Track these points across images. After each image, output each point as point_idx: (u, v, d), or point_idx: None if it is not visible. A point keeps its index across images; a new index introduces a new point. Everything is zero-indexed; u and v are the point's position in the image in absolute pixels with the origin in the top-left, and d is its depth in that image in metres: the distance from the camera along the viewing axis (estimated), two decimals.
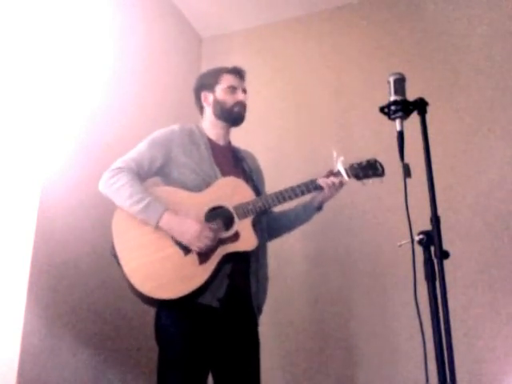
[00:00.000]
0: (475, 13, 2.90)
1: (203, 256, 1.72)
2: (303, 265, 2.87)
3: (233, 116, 2.00)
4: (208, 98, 2.03)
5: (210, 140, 2.00)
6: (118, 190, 1.77)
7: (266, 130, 3.16)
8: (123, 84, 2.65)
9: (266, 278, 1.95)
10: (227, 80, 2.01)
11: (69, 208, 2.17)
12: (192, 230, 1.71)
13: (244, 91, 2.03)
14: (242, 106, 2.00)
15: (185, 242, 1.72)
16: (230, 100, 1.99)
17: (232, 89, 2.00)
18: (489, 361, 2.38)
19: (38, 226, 2.00)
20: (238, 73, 2.04)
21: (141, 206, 1.73)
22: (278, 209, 2.01)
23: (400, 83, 1.54)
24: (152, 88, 2.92)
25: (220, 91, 2.01)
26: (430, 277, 1.38)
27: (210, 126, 2.04)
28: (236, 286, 1.81)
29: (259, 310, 1.92)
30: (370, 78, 2.98)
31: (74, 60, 2.33)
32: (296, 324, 2.77)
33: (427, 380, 1.35)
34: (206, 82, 2.05)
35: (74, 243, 2.17)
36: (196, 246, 1.71)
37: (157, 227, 1.73)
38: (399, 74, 1.55)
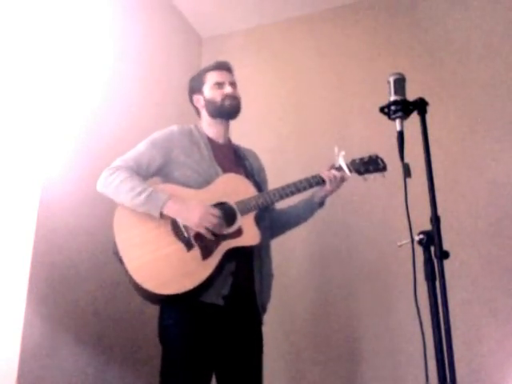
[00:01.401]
0: (475, 13, 2.90)
1: (206, 251, 1.72)
2: (305, 265, 2.87)
3: (225, 110, 1.98)
4: (200, 101, 2.04)
5: (209, 139, 2.00)
6: (118, 186, 1.77)
7: (266, 129, 3.16)
8: (123, 84, 2.65)
9: (270, 276, 1.94)
10: (212, 77, 2.02)
11: (69, 208, 2.17)
12: (196, 212, 1.72)
13: (232, 84, 2.01)
14: (232, 98, 1.98)
15: (189, 224, 1.72)
16: (218, 96, 1.98)
17: (218, 85, 2.00)
18: (489, 361, 2.38)
19: (38, 226, 2.00)
20: (222, 67, 2.04)
21: (143, 197, 1.73)
22: (280, 205, 2.01)
23: (400, 83, 1.54)
24: (152, 88, 2.93)
25: (207, 90, 2.01)
26: (430, 277, 1.38)
27: (207, 125, 2.04)
28: (240, 284, 1.80)
29: (263, 309, 1.91)
30: (370, 77, 2.98)
31: (74, 60, 2.33)
32: (298, 323, 2.78)
33: (427, 380, 1.35)
34: (194, 85, 2.06)
35: (74, 243, 2.17)
36: (201, 228, 1.71)
37: (161, 215, 1.73)
38: (399, 74, 1.55)
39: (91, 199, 2.14)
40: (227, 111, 1.99)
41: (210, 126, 2.03)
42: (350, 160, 1.95)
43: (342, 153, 1.93)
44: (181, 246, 1.73)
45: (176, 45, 3.30)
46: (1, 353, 1.86)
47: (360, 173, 1.93)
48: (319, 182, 1.90)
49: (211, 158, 1.92)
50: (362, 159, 1.95)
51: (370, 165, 1.93)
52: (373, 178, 1.94)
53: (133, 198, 1.74)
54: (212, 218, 1.73)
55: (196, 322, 1.74)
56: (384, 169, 1.94)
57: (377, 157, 1.96)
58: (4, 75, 2.13)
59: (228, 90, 1.98)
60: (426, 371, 1.34)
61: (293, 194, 1.87)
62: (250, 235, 1.78)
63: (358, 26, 3.19)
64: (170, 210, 1.74)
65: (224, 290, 1.75)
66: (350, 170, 1.92)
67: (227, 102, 1.97)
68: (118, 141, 2.35)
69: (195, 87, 2.06)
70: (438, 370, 1.29)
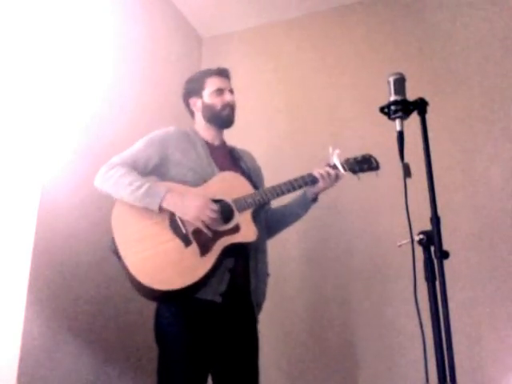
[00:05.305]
0: (475, 13, 2.90)
1: (204, 248, 1.73)
2: (303, 264, 2.87)
3: (222, 119, 2.01)
4: (196, 104, 2.05)
5: (205, 141, 2.02)
6: (116, 181, 1.78)
7: (265, 129, 3.16)
8: (123, 84, 2.65)
9: (265, 275, 1.95)
10: (213, 83, 2.03)
11: (69, 208, 2.17)
12: (194, 204, 1.73)
13: (231, 91, 2.04)
14: (231, 107, 2.01)
15: (188, 217, 1.73)
16: (218, 103, 2.00)
17: (219, 91, 2.01)
18: (489, 361, 2.38)
19: (38, 226, 2.00)
20: (223, 74, 2.05)
21: (141, 191, 1.73)
22: (273, 204, 2.03)
23: (400, 83, 1.54)
24: (152, 88, 2.93)
25: (207, 95, 2.02)
26: (430, 277, 1.38)
27: (202, 129, 2.06)
28: (237, 281, 1.81)
29: (259, 308, 1.92)
30: (370, 77, 2.98)
31: (74, 61, 2.33)
32: (295, 323, 2.77)
33: (427, 380, 1.35)
34: (193, 88, 2.06)
35: (74, 243, 2.17)
36: (199, 221, 1.72)
37: (160, 209, 1.73)
38: (399, 74, 1.55)
39: (91, 199, 2.14)
40: (223, 121, 2.02)
41: (204, 130, 2.05)
42: (343, 159, 1.97)
43: (337, 151, 1.95)
44: (179, 242, 1.73)
45: (176, 45, 3.30)
46: (1, 353, 1.86)
47: (354, 171, 1.96)
48: (314, 180, 1.92)
49: (208, 157, 1.94)
50: (355, 158, 1.97)
51: (363, 164, 1.96)
52: (365, 175, 1.96)
53: (131, 192, 1.74)
54: (210, 212, 1.74)
55: (192, 321, 1.74)
56: (377, 167, 1.98)
57: (370, 156, 1.99)
58: (4, 75, 2.13)
59: (228, 97, 2.01)
60: (426, 371, 1.34)
61: (289, 191, 1.89)
62: (247, 232, 1.79)
63: (358, 26, 3.19)
64: (169, 203, 1.74)
65: (221, 286, 1.76)
66: (345, 169, 1.94)
67: (225, 112, 2.00)
68: (117, 141, 2.34)
69: (193, 90, 2.06)
70: (438, 370, 1.29)
